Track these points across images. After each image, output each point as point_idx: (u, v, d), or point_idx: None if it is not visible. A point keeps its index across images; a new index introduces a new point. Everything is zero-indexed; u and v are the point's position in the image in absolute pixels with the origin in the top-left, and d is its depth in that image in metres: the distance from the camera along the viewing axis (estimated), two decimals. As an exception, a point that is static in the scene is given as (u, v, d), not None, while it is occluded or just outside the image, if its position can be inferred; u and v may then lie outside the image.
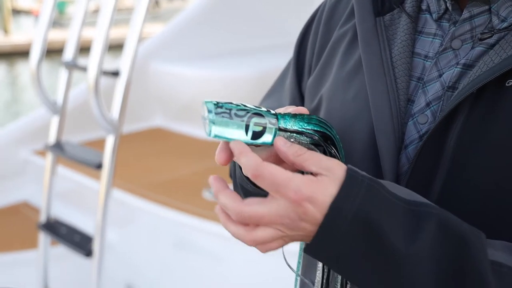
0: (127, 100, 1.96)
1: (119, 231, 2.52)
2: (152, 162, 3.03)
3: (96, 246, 1.98)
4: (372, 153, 0.70)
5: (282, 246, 0.61)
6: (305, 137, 0.61)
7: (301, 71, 0.87)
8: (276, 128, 0.60)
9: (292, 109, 0.64)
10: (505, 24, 0.67)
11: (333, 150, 0.63)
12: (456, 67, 0.68)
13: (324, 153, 0.63)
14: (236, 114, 0.58)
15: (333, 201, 0.57)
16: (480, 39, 0.67)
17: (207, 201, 2.47)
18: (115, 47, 5.73)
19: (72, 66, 2.11)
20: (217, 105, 0.58)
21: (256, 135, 0.59)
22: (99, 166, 1.97)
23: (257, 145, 0.62)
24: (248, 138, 0.59)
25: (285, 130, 0.60)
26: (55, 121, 2.18)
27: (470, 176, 0.64)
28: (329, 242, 0.58)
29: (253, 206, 0.58)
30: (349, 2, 0.82)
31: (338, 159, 0.63)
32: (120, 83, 1.93)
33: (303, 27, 0.89)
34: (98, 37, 1.88)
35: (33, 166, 3.05)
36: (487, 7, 0.68)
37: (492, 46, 0.67)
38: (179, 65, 3.57)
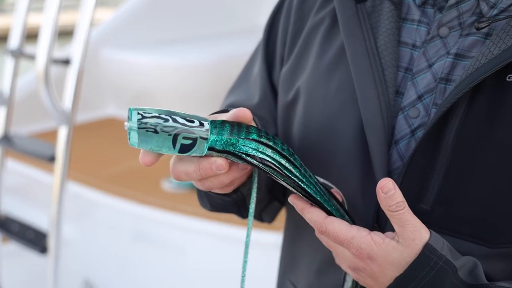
0: (80, 89, 1.89)
1: (76, 226, 2.44)
2: (108, 153, 2.94)
3: (51, 242, 1.91)
4: (360, 149, 0.66)
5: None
6: (238, 160, 0.55)
7: (271, 61, 0.82)
8: (207, 144, 0.53)
9: (232, 113, 0.57)
10: (495, 11, 0.63)
11: (284, 169, 0.57)
12: (447, 57, 0.65)
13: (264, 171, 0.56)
14: (162, 130, 0.52)
15: (397, 277, 0.58)
16: (477, 28, 0.63)
17: (166, 192, 2.42)
18: (63, 34, 5.53)
19: (18, 54, 2.01)
20: (143, 117, 0.52)
21: (185, 148, 0.53)
22: (52, 159, 1.89)
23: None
24: (176, 151, 0.53)
25: (216, 151, 0.54)
26: (2, 112, 2.08)
27: (471, 175, 0.61)
28: None
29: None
30: None
31: (298, 174, 0.58)
32: (72, 72, 1.85)
33: (271, 13, 0.84)
34: (46, 23, 1.78)
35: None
36: None
37: (486, 35, 0.63)
38: (131, 52, 3.47)
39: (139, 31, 3.61)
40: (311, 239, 0.75)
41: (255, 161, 0.55)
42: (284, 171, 0.57)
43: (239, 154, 0.55)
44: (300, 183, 0.58)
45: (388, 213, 0.58)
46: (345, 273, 0.68)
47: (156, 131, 0.52)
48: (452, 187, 0.62)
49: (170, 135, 0.53)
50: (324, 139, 0.70)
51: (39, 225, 2.07)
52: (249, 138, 0.55)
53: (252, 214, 0.63)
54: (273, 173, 0.57)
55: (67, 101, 1.87)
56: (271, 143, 0.56)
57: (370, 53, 0.67)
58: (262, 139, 0.56)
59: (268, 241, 1.81)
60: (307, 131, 0.72)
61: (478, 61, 0.61)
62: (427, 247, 0.57)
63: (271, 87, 0.82)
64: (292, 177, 0.58)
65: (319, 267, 0.74)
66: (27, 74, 3.07)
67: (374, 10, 0.70)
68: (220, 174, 0.56)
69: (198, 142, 0.53)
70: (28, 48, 2.05)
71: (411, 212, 0.58)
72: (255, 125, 0.61)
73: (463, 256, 0.61)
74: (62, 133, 1.87)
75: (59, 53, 2.04)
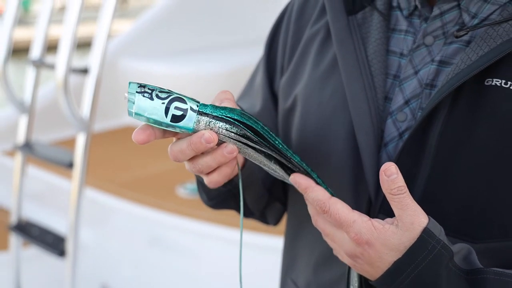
0: (98, 97, 1.94)
1: (93, 230, 2.49)
2: (124, 160, 3.00)
3: (69, 246, 1.96)
4: (351, 151, 0.71)
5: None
6: (225, 124, 0.60)
7: (272, 71, 0.87)
8: (197, 114, 0.59)
9: (218, 103, 0.63)
10: (476, 21, 0.68)
11: (263, 143, 0.61)
12: (431, 64, 0.69)
13: (252, 139, 0.61)
14: (157, 96, 0.58)
15: (395, 261, 0.60)
16: (456, 37, 0.67)
17: (181, 198, 2.46)
18: (83, 45, 5.64)
19: (39, 64, 2.08)
20: (140, 85, 0.58)
21: (176, 118, 0.59)
22: (70, 165, 1.95)
23: (178, 132, 0.61)
24: (167, 120, 0.59)
25: (206, 115, 0.59)
26: (23, 120, 2.15)
27: (454, 174, 0.65)
28: None
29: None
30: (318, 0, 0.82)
31: (277, 151, 0.62)
32: (90, 81, 1.91)
33: (272, 26, 0.89)
34: (66, 34, 1.85)
35: (2, 167, 2.99)
36: (456, 3, 0.68)
37: (467, 43, 0.67)
38: (148, 62, 3.54)
39: (156, 42, 3.68)
40: (310, 237, 0.79)
41: (241, 125, 0.60)
42: (269, 139, 0.62)
43: (227, 118, 0.60)
44: (287, 153, 0.63)
45: (389, 197, 0.60)
46: (349, 273, 0.70)
47: (151, 97, 0.58)
48: (436, 186, 0.65)
49: (163, 103, 0.58)
50: (319, 142, 0.74)
51: (58, 229, 2.13)
52: (233, 112, 0.61)
53: (242, 211, 0.68)
54: (259, 140, 0.61)
55: (85, 109, 1.92)
56: (253, 118, 0.62)
57: (360, 61, 0.71)
58: (245, 113, 0.62)
59: (277, 246, 1.84)
60: (303, 135, 0.76)
61: (458, 67, 0.64)
62: (426, 232, 0.59)
63: (272, 96, 0.86)
64: (279, 146, 0.62)
65: (315, 264, 0.78)
66: (48, 83, 3.15)
67: (364, 22, 0.75)
68: (209, 151, 0.61)
69: (188, 113, 0.59)
70: (49, 59, 2.12)
71: (411, 197, 0.60)
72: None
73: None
74: (80, 140, 1.93)
75: (78, 63, 2.11)
